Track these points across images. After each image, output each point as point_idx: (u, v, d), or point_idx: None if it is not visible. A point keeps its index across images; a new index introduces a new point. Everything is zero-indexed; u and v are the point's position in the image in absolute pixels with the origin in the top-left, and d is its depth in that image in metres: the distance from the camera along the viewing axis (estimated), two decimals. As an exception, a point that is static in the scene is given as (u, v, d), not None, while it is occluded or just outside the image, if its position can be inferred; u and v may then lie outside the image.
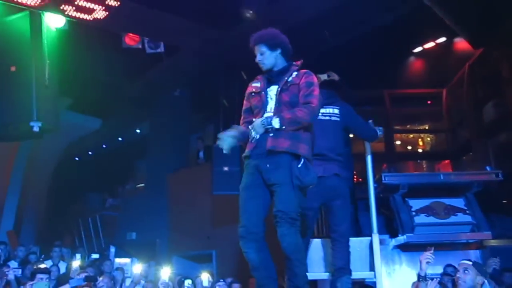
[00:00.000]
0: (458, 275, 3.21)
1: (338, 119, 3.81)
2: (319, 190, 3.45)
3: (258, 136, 2.95)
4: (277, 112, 3.03)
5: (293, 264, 2.90)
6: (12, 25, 6.28)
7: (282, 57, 3.17)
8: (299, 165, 2.92)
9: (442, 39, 8.62)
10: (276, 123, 2.90)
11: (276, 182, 2.93)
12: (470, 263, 3.24)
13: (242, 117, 3.30)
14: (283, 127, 2.90)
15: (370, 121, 4.51)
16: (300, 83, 3.08)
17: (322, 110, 3.75)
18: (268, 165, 2.97)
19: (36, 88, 5.95)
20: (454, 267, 4.80)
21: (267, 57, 3.14)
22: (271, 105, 3.10)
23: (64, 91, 8.53)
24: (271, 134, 2.97)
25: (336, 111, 3.84)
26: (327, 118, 3.81)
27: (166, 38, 8.10)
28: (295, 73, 3.14)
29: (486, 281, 3.25)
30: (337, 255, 3.56)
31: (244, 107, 3.31)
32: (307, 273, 2.97)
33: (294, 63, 3.20)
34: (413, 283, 3.80)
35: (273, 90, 3.15)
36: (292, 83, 3.09)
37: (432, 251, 3.32)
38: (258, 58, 3.17)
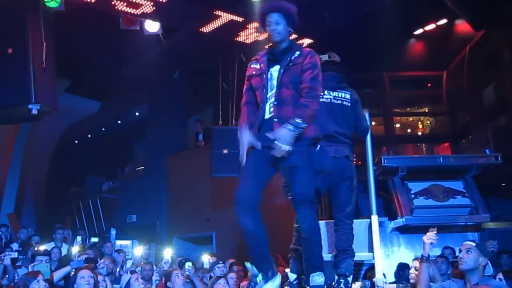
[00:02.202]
0: (460, 255, 3.21)
1: (349, 104, 3.79)
2: (330, 170, 3.47)
3: (289, 148, 2.78)
4: (278, 94, 2.98)
5: (312, 245, 2.97)
6: (8, 6, 6.20)
7: (288, 35, 3.12)
8: (317, 150, 2.96)
9: (443, 21, 8.55)
10: (301, 124, 2.80)
11: (295, 165, 2.89)
12: (474, 244, 3.21)
13: (244, 97, 3.24)
14: (306, 125, 2.83)
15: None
16: (304, 63, 3.01)
17: (334, 94, 3.76)
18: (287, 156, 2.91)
19: (34, 70, 5.89)
20: (452, 249, 4.86)
21: (283, 29, 3.04)
22: (273, 91, 3.05)
23: (62, 74, 8.49)
24: (276, 120, 2.93)
25: (348, 96, 3.81)
26: (339, 102, 3.77)
27: (164, 20, 8.01)
28: (297, 52, 3.07)
29: (489, 263, 3.27)
30: (342, 237, 3.58)
31: (245, 87, 3.24)
32: (321, 255, 3.05)
33: (296, 42, 3.16)
34: (413, 260, 3.83)
35: (276, 71, 3.08)
36: (294, 63, 3.03)
37: (435, 232, 3.32)
38: (273, 26, 3.03)
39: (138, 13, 7.21)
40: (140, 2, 7.06)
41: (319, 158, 2.99)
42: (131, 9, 7.13)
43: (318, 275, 2.98)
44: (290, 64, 3.03)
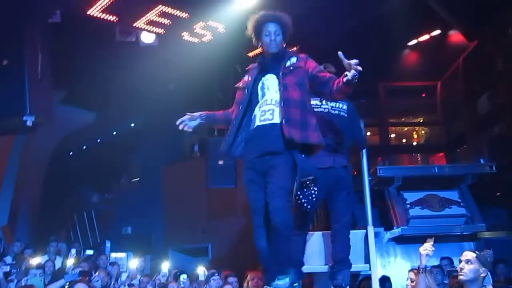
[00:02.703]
0: (460, 266, 3.17)
1: (345, 115, 3.79)
2: (328, 180, 3.45)
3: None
4: (285, 96, 2.94)
5: (282, 240, 2.81)
6: (4, 18, 6.20)
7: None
8: (302, 158, 2.91)
9: (436, 32, 8.61)
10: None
11: (276, 164, 2.87)
12: (474, 254, 3.14)
13: (232, 108, 3.25)
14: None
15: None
16: (307, 66, 3.04)
17: (331, 104, 3.76)
18: (267, 157, 2.94)
19: (29, 81, 5.88)
20: (449, 259, 4.85)
21: (280, 41, 3.06)
22: (271, 95, 3.02)
23: (57, 85, 8.46)
24: (284, 122, 2.89)
25: (345, 107, 3.81)
26: (336, 112, 3.76)
27: (160, 30, 8.03)
28: (294, 58, 3.08)
29: (489, 274, 3.24)
30: (338, 247, 3.54)
31: (236, 99, 3.25)
32: (290, 256, 2.94)
33: (287, 49, 3.16)
34: (409, 271, 3.81)
35: (270, 79, 3.07)
36: (296, 66, 3.03)
37: (431, 243, 3.29)
38: (273, 37, 3.04)
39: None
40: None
41: (302, 167, 2.90)
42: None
43: (283, 278, 2.82)
44: (291, 68, 3.02)
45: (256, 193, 2.97)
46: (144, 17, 7.17)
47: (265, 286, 2.94)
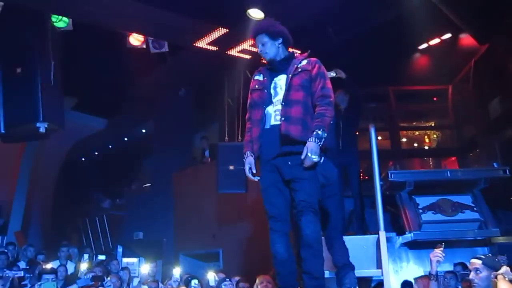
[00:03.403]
0: (471, 277, 3.14)
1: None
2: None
3: (320, 159, 2.92)
4: (287, 96, 3.01)
5: (315, 253, 2.90)
6: (17, 26, 6.30)
7: (283, 46, 3.17)
8: (321, 161, 2.95)
9: (447, 35, 8.57)
10: (323, 134, 2.90)
11: (300, 177, 2.94)
12: (480, 261, 3.12)
13: (247, 114, 3.29)
14: (326, 134, 2.92)
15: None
16: (313, 72, 3.07)
17: None
18: (289, 163, 2.98)
19: (42, 89, 5.96)
20: (464, 264, 4.79)
21: (269, 47, 3.14)
22: (280, 96, 3.07)
23: (69, 91, 8.56)
24: (283, 119, 2.97)
25: None
26: None
27: (170, 38, 8.10)
28: (305, 61, 3.13)
29: (508, 269, 3.19)
30: (338, 252, 3.55)
31: (249, 101, 3.28)
32: (322, 267, 2.99)
33: (297, 53, 3.22)
34: (415, 279, 3.77)
35: (282, 79, 3.12)
36: (304, 69, 3.08)
37: (442, 249, 3.26)
38: (260, 48, 3.16)
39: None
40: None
41: (323, 171, 2.99)
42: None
43: None
44: (299, 69, 3.08)
45: (275, 198, 3.01)
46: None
47: None
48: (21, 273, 5.33)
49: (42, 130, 5.94)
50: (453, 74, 8.47)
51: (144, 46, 7.88)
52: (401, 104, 8.83)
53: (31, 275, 5.70)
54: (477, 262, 3.13)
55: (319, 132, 2.87)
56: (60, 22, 6.61)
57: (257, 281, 4.56)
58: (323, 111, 2.95)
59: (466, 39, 8.10)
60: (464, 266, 4.81)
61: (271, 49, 3.13)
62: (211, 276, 6.05)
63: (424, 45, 8.92)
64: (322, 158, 2.96)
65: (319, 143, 2.86)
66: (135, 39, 7.78)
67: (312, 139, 2.87)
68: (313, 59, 3.15)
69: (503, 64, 6.82)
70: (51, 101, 6.05)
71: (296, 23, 7.00)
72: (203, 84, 10.28)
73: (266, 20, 3.21)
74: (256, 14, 7.01)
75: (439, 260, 3.24)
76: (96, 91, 10.58)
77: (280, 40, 3.15)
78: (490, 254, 3.25)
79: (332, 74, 5.42)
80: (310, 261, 2.91)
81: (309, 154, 2.84)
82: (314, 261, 2.91)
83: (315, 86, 3.04)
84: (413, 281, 3.84)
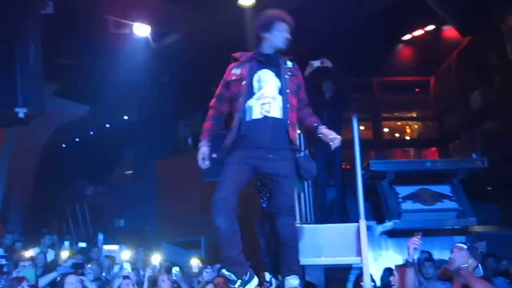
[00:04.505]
0: (450, 256, 3.26)
1: None
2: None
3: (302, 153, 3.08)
4: (286, 101, 3.05)
5: (290, 251, 3.05)
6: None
7: None
8: (302, 156, 3.07)
9: (430, 27, 8.64)
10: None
11: (280, 174, 2.96)
12: (465, 246, 3.28)
13: (213, 102, 3.31)
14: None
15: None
16: (300, 79, 3.22)
17: None
18: (271, 156, 2.96)
19: (21, 73, 5.83)
20: (428, 252, 4.90)
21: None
22: (268, 89, 3.06)
23: (50, 77, 8.41)
24: (289, 122, 3.03)
25: None
26: None
27: (153, 23, 8.00)
28: (290, 63, 3.19)
29: (479, 265, 3.30)
30: None
31: (218, 92, 3.28)
32: (299, 259, 3.12)
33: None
34: (396, 266, 3.84)
35: (268, 74, 3.10)
36: (294, 74, 3.17)
37: (419, 237, 3.34)
38: (288, 34, 3.18)
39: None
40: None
41: (305, 166, 3.07)
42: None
43: (293, 278, 3.04)
44: (290, 73, 3.14)
45: (235, 174, 2.99)
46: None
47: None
48: (3, 261, 5.25)
49: (21, 115, 5.82)
50: (436, 65, 8.54)
51: (127, 32, 7.76)
52: (384, 95, 8.89)
53: (8, 262, 5.62)
54: (462, 246, 3.30)
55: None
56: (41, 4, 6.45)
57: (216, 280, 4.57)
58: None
59: (449, 31, 8.18)
60: (429, 254, 4.91)
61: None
62: (195, 262, 6.05)
63: (408, 36, 8.98)
64: (302, 153, 3.08)
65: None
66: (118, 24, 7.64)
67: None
68: (295, 64, 3.25)
69: (485, 56, 6.91)
70: (30, 86, 5.92)
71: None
72: (186, 71, 10.20)
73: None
74: (246, 2, 6.94)
75: (416, 247, 3.32)
76: (78, 77, 10.41)
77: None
78: (471, 244, 3.36)
79: (318, 63, 5.43)
80: (285, 256, 3.07)
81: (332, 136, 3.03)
82: (289, 256, 3.06)
83: (302, 93, 3.21)
84: (394, 268, 3.91)
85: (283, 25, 3.14)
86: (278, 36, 3.12)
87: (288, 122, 3.02)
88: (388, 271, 5.11)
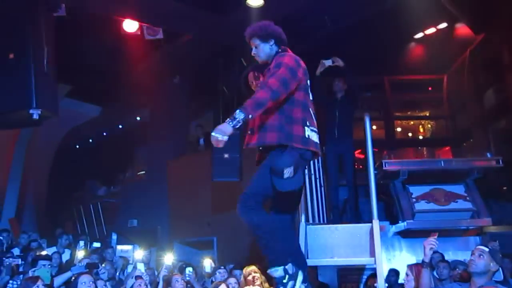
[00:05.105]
0: (472, 258, 3.21)
1: None
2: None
3: (224, 138, 2.75)
4: None
5: (259, 240, 2.98)
6: (9, 12, 6.21)
7: (277, 46, 3.15)
8: (274, 152, 2.98)
9: (443, 25, 8.54)
10: (239, 114, 2.74)
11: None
12: (487, 249, 3.22)
13: None
14: (249, 116, 2.75)
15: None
16: (271, 67, 3.03)
17: None
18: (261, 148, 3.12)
19: (35, 75, 5.90)
20: (440, 254, 4.86)
21: (261, 50, 3.16)
22: None
23: (63, 78, 8.49)
24: (249, 132, 3.06)
25: None
26: None
27: (164, 24, 8.04)
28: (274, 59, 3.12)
29: (500, 270, 3.26)
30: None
31: None
32: (277, 244, 2.98)
33: (281, 51, 3.14)
34: (409, 265, 3.81)
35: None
36: (268, 69, 3.06)
37: (436, 237, 3.31)
38: (253, 51, 3.19)
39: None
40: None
41: (272, 159, 2.96)
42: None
43: (273, 270, 2.95)
44: (267, 71, 3.07)
45: None
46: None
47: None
48: (18, 261, 5.33)
49: (35, 116, 5.89)
50: (448, 63, 8.47)
51: (139, 33, 7.81)
52: (396, 94, 8.83)
53: (24, 262, 5.70)
54: (484, 249, 3.23)
55: (238, 111, 2.76)
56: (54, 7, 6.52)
57: (244, 272, 4.56)
58: (256, 92, 2.86)
59: (462, 29, 8.09)
60: (442, 256, 4.86)
61: (263, 51, 3.15)
62: (207, 262, 6.07)
63: (420, 35, 8.90)
64: (276, 149, 2.95)
65: (231, 123, 2.73)
66: (130, 26, 7.70)
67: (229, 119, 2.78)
68: (282, 53, 3.09)
69: (498, 54, 6.82)
70: (44, 88, 5.98)
71: (293, 11, 6.97)
72: (198, 71, 10.23)
73: (257, 23, 3.18)
74: (255, 2, 6.97)
75: (432, 247, 3.28)
76: (91, 78, 10.50)
77: (272, 42, 3.14)
78: (491, 246, 3.31)
79: (330, 62, 5.42)
80: (259, 246, 3.00)
81: (213, 133, 2.76)
82: (261, 246, 2.99)
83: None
84: (406, 268, 3.87)
85: (251, 43, 3.20)
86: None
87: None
88: (393, 272, 5.09)
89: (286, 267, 2.93)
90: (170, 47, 9.37)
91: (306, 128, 3.01)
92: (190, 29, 8.47)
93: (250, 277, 4.41)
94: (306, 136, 2.99)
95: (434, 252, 4.81)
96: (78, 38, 8.29)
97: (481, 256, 3.16)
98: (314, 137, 3.07)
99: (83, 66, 9.64)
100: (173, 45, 9.32)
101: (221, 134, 2.72)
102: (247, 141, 3.09)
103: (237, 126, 2.73)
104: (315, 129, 3.11)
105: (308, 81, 3.15)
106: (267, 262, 3.00)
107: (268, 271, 2.99)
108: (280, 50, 3.14)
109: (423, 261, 3.31)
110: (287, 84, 2.89)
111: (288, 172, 2.88)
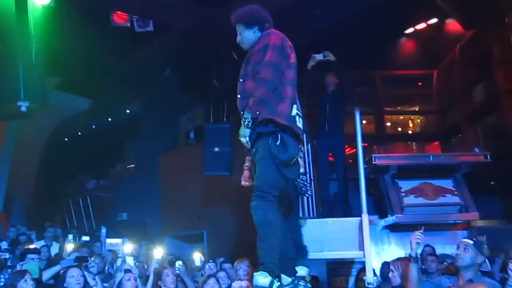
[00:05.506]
0: (457, 252, 3.25)
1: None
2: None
3: (245, 139, 2.93)
4: (241, 87, 3.03)
5: (259, 238, 2.87)
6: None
7: (260, 32, 3.11)
8: (277, 143, 2.89)
9: (433, 20, 8.58)
10: (247, 115, 2.86)
11: (257, 159, 2.97)
12: (471, 242, 3.25)
13: None
14: (256, 112, 2.85)
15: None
16: (257, 48, 3.01)
17: None
18: (254, 150, 3.01)
19: (23, 67, 5.82)
20: (431, 247, 4.90)
21: (244, 37, 3.14)
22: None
23: (52, 70, 8.39)
24: (242, 113, 2.99)
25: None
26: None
27: (155, 17, 7.97)
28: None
29: (486, 260, 3.29)
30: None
31: None
32: (270, 252, 2.86)
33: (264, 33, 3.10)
34: (393, 261, 3.84)
35: None
36: (251, 52, 3.05)
37: (421, 231, 3.33)
38: (238, 38, 3.17)
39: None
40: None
41: (277, 152, 2.89)
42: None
43: (260, 274, 2.80)
44: (249, 54, 3.06)
45: None
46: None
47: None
48: (6, 255, 5.28)
49: (23, 109, 5.82)
50: (439, 59, 8.50)
51: (129, 25, 7.73)
52: (387, 89, 8.86)
53: (12, 256, 5.66)
54: (468, 241, 3.26)
55: (246, 113, 2.88)
56: (42, -2, 6.43)
57: (236, 265, 4.55)
58: (254, 90, 2.92)
59: (452, 25, 8.12)
60: (433, 249, 4.91)
61: (247, 38, 3.13)
62: (197, 256, 6.08)
63: (410, 30, 8.93)
64: (279, 138, 2.90)
65: (245, 124, 2.87)
66: (119, 17, 7.62)
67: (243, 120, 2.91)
68: (265, 33, 3.06)
69: (488, 50, 6.86)
70: (32, 80, 5.90)
71: (284, 4, 6.95)
72: (189, 65, 10.17)
73: (241, 8, 3.14)
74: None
75: (418, 241, 3.30)
76: (81, 71, 10.40)
77: (256, 28, 3.11)
78: (477, 239, 3.33)
79: (321, 56, 5.41)
80: (257, 244, 2.89)
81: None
82: (259, 244, 2.87)
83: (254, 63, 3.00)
84: (390, 263, 3.90)
85: (236, 28, 3.20)
86: None
87: (241, 112, 3.00)
88: (387, 264, 5.12)
89: (275, 279, 2.81)
90: (160, 39, 9.30)
91: (294, 106, 3.01)
92: (182, 22, 8.41)
93: (241, 271, 4.42)
94: (293, 114, 2.98)
95: (426, 245, 4.87)
96: (68, 29, 8.19)
97: (466, 250, 3.20)
98: (299, 122, 3.05)
99: (73, 58, 9.53)
100: (164, 38, 9.26)
101: (241, 137, 2.91)
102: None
103: (250, 125, 2.87)
104: (300, 113, 3.08)
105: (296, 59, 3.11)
106: (258, 265, 2.89)
107: (254, 273, 2.86)
108: (263, 30, 3.10)
109: (409, 255, 3.33)
110: (279, 67, 2.93)
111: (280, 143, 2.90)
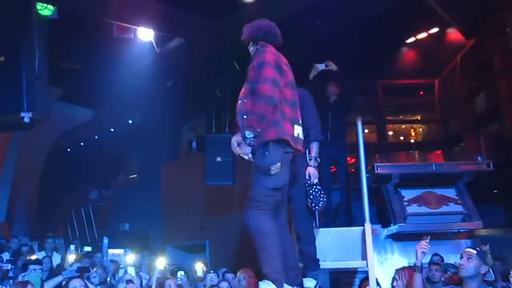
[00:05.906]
0: (461, 262, 3.21)
1: None
2: None
3: (248, 157, 2.94)
4: (243, 106, 2.97)
5: (257, 249, 2.84)
6: (0, 14, 6.17)
7: (255, 45, 3.16)
8: (259, 154, 2.90)
9: (434, 30, 8.62)
10: (249, 134, 2.84)
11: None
12: (475, 251, 3.21)
13: None
14: (258, 130, 2.83)
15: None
16: (252, 66, 3.01)
17: None
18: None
19: (26, 78, 5.86)
20: (440, 256, 4.87)
21: (250, 52, 3.18)
22: None
23: (55, 81, 8.45)
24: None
25: None
26: None
27: (158, 28, 8.03)
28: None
29: (490, 270, 3.27)
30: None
31: None
32: (270, 261, 2.83)
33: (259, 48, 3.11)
34: (397, 270, 3.82)
35: None
36: (250, 69, 3.04)
37: (427, 240, 3.31)
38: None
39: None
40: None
41: (256, 161, 2.90)
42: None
43: (265, 283, 2.79)
44: (250, 69, 3.04)
45: None
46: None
47: None
48: (8, 266, 5.27)
49: (26, 119, 5.85)
50: (440, 68, 8.54)
51: (131, 36, 7.79)
52: (388, 98, 8.88)
53: (14, 266, 5.64)
54: (472, 251, 3.22)
55: (246, 132, 2.86)
56: (46, 10, 6.49)
57: (239, 275, 4.53)
58: (253, 105, 2.88)
59: (453, 34, 8.16)
60: (441, 259, 4.88)
61: (251, 54, 3.17)
62: (199, 267, 6.05)
63: (411, 39, 8.97)
64: (261, 149, 2.89)
65: (247, 142, 2.86)
66: (122, 29, 7.67)
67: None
68: (263, 50, 3.06)
69: (490, 59, 6.89)
70: (35, 91, 5.95)
71: (285, 14, 6.99)
72: (191, 75, 10.22)
73: (247, 25, 3.19)
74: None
75: (424, 251, 3.28)
76: (83, 81, 10.45)
77: (255, 45, 3.16)
78: (480, 248, 3.30)
79: (323, 66, 5.44)
80: (258, 255, 2.86)
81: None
82: (258, 255, 2.84)
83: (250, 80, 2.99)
84: (394, 272, 3.88)
85: None
86: None
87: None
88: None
89: None
90: (162, 49, 9.36)
91: (296, 126, 3.00)
92: (184, 32, 8.47)
93: (244, 281, 4.40)
94: (296, 135, 2.99)
95: (434, 254, 4.84)
96: (70, 41, 8.25)
97: (470, 259, 3.17)
98: (301, 134, 3.06)
99: (75, 69, 9.60)
100: (166, 47, 9.31)
101: (245, 155, 2.92)
102: None
103: (252, 143, 2.86)
104: (300, 126, 3.07)
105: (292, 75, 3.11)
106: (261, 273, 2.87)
107: (260, 282, 2.84)
108: (259, 47, 3.11)
109: (415, 265, 3.31)
110: (277, 82, 2.92)
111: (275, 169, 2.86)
